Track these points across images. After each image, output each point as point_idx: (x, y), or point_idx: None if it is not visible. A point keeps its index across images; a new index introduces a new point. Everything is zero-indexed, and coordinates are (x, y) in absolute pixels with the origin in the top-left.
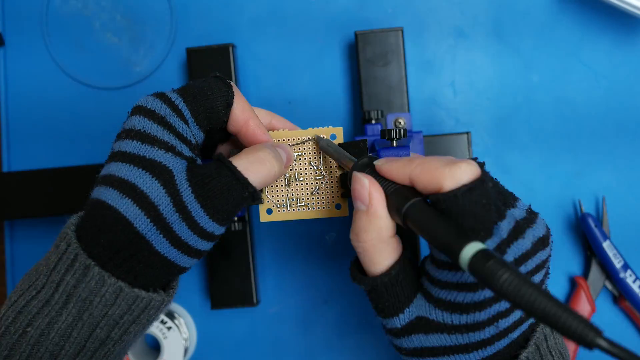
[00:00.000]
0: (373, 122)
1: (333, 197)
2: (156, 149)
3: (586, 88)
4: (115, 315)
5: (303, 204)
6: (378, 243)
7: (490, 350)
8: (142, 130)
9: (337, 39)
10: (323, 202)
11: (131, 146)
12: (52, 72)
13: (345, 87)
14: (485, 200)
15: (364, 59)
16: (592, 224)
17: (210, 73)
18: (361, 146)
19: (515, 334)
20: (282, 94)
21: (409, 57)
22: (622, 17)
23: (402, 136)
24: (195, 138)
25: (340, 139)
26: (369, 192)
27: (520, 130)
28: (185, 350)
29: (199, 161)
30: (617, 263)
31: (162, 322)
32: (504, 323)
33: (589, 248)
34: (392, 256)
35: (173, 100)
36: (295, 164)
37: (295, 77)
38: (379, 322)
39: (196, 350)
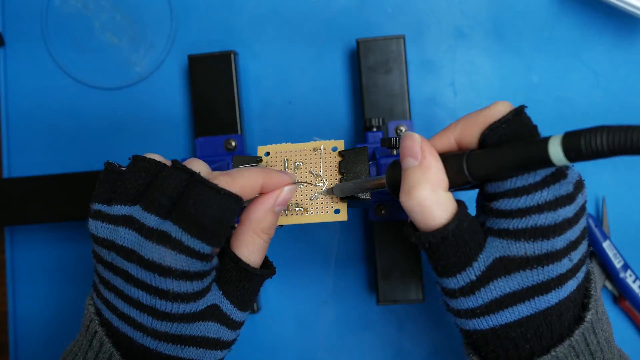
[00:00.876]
0: (374, 129)
1: (332, 201)
2: None
3: (586, 88)
4: None
5: (302, 209)
6: (434, 195)
7: (565, 290)
8: None
9: (337, 41)
10: (322, 207)
11: None
12: (52, 72)
13: (346, 92)
14: (526, 127)
15: (366, 67)
16: (592, 224)
17: (211, 80)
18: (361, 153)
19: (581, 276)
20: (283, 97)
21: (409, 57)
22: (622, 17)
23: None
24: None
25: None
26: (420, 145)
27: None
28: None
29: None
30: (617, 263)
31: None
32: (575, 255)
33: (589, 248)
34: (451, 208)
35: None
36: (296, 172)
37: (296, 81)
38: (379, 322)
39: None
